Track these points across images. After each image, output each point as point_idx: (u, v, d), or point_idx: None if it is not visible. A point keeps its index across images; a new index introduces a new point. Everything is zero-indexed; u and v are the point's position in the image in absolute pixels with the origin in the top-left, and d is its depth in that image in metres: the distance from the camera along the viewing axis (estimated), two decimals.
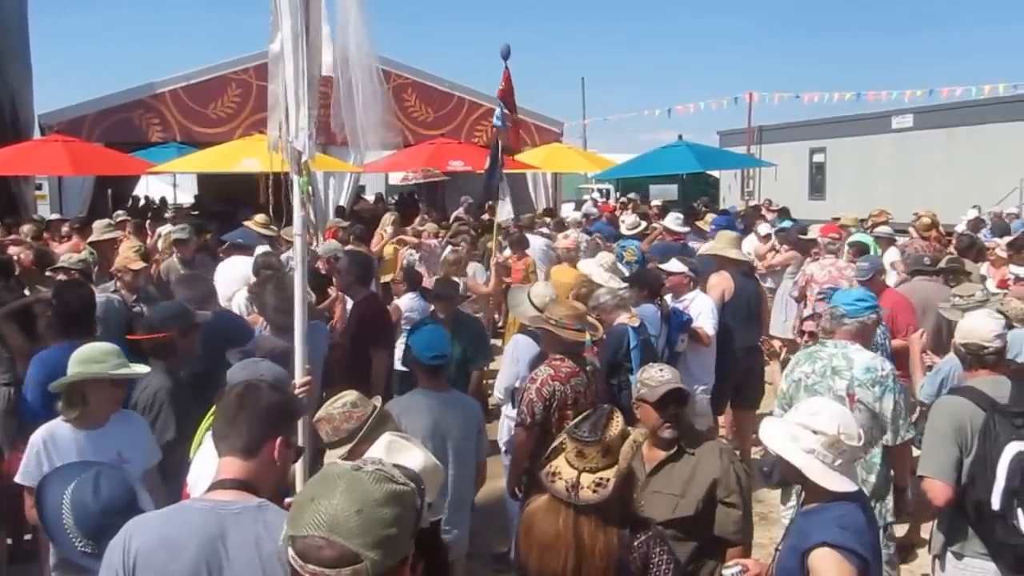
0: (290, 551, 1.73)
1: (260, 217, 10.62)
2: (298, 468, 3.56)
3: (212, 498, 2.47)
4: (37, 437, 3.92)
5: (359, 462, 1.85)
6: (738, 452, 5.12)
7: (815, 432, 3.01)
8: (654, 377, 3.85)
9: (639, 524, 3.14)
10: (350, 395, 3.71)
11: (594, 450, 3.04)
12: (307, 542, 1.71)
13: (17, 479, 3.94)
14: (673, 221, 11.89)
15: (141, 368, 4.20)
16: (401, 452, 2.80)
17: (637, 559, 3.06)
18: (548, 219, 15.14)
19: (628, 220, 13.41)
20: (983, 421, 3.82)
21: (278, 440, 2.58)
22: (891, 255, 10.44)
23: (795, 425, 3.07)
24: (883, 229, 11.67)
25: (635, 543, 3.05)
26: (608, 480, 3.00)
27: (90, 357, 4.02)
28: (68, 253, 8.07)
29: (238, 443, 2.54)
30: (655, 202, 20.87)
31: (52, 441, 3.88)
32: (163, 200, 22.74)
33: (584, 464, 3.05)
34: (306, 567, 1.70)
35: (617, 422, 3.11)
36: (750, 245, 11.74)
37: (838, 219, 13.59)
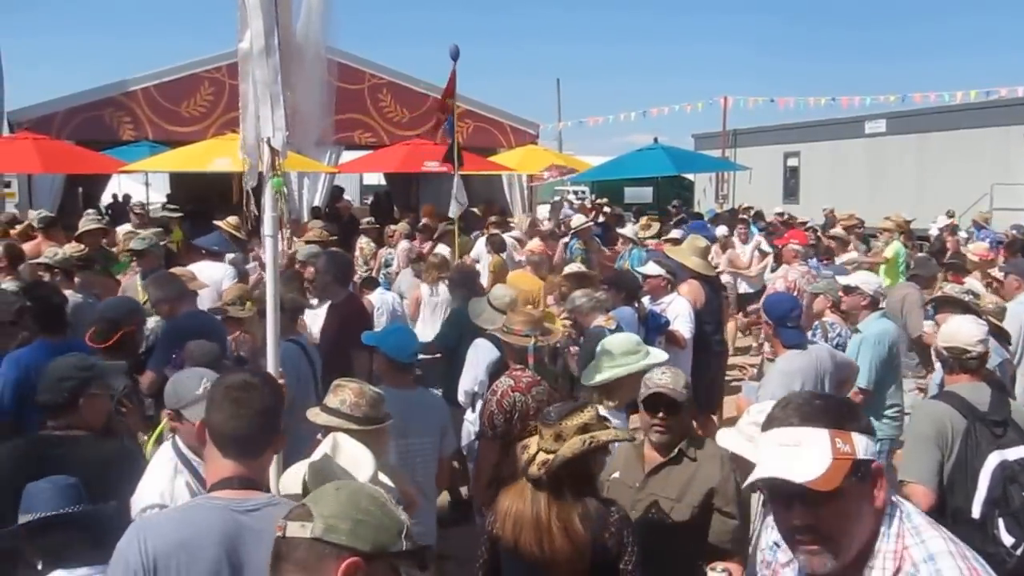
0: None
1: (232, 219, 10.46)
2: (271, 466, 3.49)
3: (223, 496, 2.43)
4: None
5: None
6: None
7: (758, 424, 3.01)
8: (651, 379, 3.84)
9: (608, 503, 3.27)
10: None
11: (549, 432, 3.21)
12: (296, 505, 1.92)
13: None
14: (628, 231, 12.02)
15: (660, 355, 4.40)
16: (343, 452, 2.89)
17: (613, 542, 3.16)
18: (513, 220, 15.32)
19: (574, 221, 13.49)
20: (964, 428, 3.82)
21: (278, 439, 2.65)
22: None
23: (748, 425, 3.13)
24: (837, 231, 11.79)
25: (609, 519, 3.18)
26: (549, 462, 3.16)
27: (629, 349, 4.23)
28: (52, 249, 7.86)
29: (248, 444, 2.51)
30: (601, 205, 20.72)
31: None
32: (126, 197, 22.22)
33: (542, 444, 3.22)
34: (281, 521, 1.89)
35: (583, 416, 3.24)
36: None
37: (805, 223, 13.80)
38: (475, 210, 14.18)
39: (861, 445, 1.88)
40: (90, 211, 12.90)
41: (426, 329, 7.80)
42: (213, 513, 2.38)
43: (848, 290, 6.45)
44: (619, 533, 3.18)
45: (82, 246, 8.24)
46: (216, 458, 2.51)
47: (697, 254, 7.96)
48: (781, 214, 16.50)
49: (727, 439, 3.25)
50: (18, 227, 10.56)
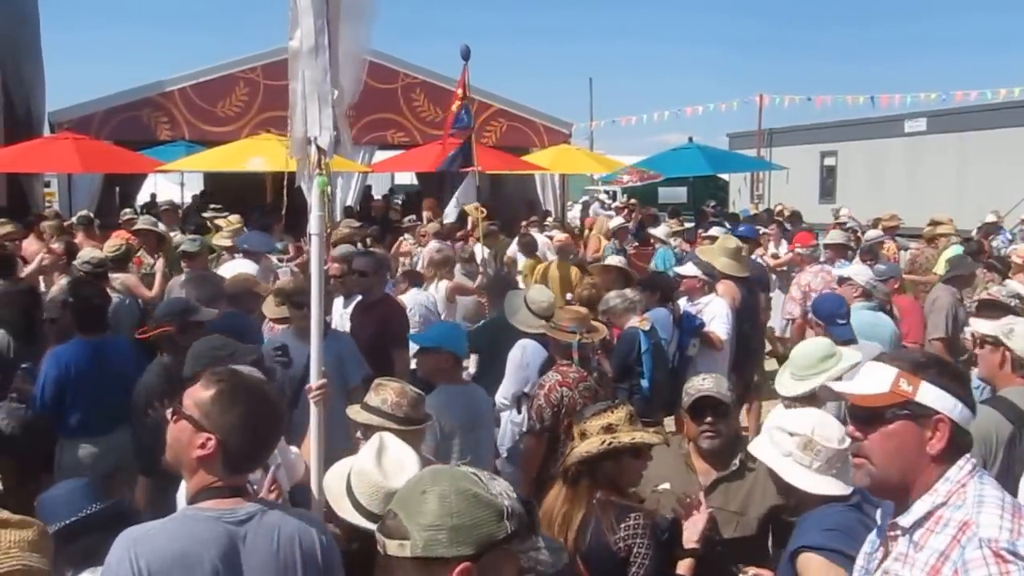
0: None
1: (234, 218, 10.53)
2: (312, 464, 3.49)
3: (214, 507, 2.33)
4: None
5: (459, 462, 1.91)
6: None
7: (791, 434, 3.03)
8: (693, 385, 3.79)
9: (628, 509, 3.21)
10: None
11: (575, 430, 3.31)
12: (386, 515, 1.83)
13: None
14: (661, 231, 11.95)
15: (854, 355, 4.43)
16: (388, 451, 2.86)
17: (622, 547, 3.13)
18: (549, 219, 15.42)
19: (612, 222, 13.59)
20: (1009, 434, 3.72)
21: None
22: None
23: (775, 429, 3.09)
24: (872, 233, 11.58)
25: (621, 525, 3.13)
26: (564, 458, 3.25)
27: (827, 353, 4.34)
28: (87, 250, 7.97)
29: (260, 462, 2.52)
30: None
31: None
32: (203, 194, 22.15)
33: (574, 442, 3.31)
34: (378, 535, 1.82)
35: (611, 416, 3.25)
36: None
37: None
38: (466, 208, 14.28)
39: (928, 394, 2.07)
40: (127, 210, 13.05)
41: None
42: (207, 525, 2.28)
43: (841, 281, 6.81)
44: (631, 539, 3.13)
45: (119, 245, 8.35)
46: (211, 468, 2.36)
47: (727, 255, 7.83)
48: (847, 224, 16.07)
49: (761, 449, 3.18)
50: (45, 224, 10.68)
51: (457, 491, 1.75)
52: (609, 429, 3.19)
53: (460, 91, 9.84)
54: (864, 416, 2.13)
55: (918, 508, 2.07)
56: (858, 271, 6.78)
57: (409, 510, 1.77)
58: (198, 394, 2.39)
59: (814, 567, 2.78)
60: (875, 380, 2.12)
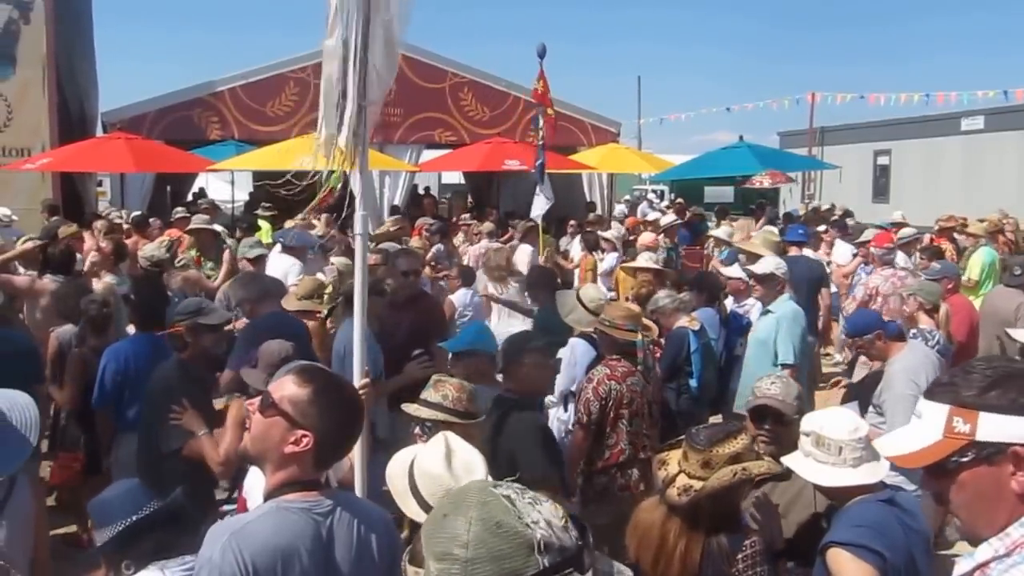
0: None
1: (299, 217, 10.64)
2: (356, 463, 3.47)
3: (301, 499, 2.32)
4: None
5: (499, 482, 1.70)
6: None
7: (805, 434, 3.12)
8: (761, 387, 3.74)
9: (741, 537, 3.07)
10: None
11: (696, 457, 3.05)
12: (417, 536, 1.77)
13: None
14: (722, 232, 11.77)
15: None
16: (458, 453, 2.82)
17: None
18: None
19: (663, 220, 13.62)
20: None
21: None
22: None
23: (801, 437, 3.18)
24: (907, 231, 11.30)
25: (739, 556, 3.00)
26: (693, 490, 3.01)
27: None
28: (146, 247, 8.14)
29: (344, 454, 2.60)
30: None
31: None
32: (201, 191, 22.29)
33: (686, 466, 3.07)
34: (403, 560, 1.82)
35: (735, 444, 3.06)
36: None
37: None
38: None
39: (990, 425, 1.65)
40: (178, 209, 13.21)
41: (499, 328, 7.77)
42: (299, 517, 2.29)
43: (764, 279, 6.55)
44: (749, 568, 3.00)
45: (166, 239, 8.50)
46: (301, 464, 2.34)
47: (770, 247, 7.87)
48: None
49: (788, 456, 3.20)
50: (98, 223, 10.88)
51: (480, 518, 1.56)
52: (737, 459, 3.03)
53: (539, 91, 9.81)
54: (929, 468, 1.74)
55: (981, 553, 1.70)
56: (777, 265, 6.68)
57: (428, 535, 1.60)
58: (292, 391, 2.34)
59: (842, 563, 2.82)
60: (925, 428, 1.73)
